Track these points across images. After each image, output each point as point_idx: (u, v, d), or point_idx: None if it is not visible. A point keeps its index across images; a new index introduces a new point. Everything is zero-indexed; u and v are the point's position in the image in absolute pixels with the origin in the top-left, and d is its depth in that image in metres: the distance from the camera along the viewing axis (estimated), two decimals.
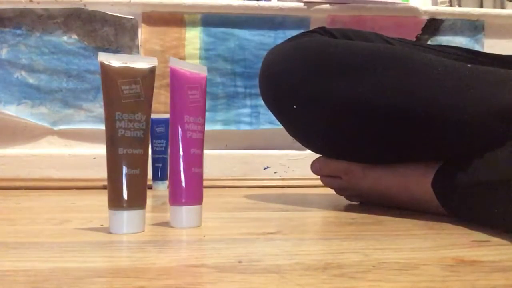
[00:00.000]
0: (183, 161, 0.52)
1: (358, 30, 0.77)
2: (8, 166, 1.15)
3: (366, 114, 0.60)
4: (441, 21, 1.30)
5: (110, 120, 0.49)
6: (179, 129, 0.53)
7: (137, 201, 0.49)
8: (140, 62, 0.51)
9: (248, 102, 1.24)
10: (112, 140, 0.49)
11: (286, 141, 1.19)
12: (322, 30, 0.75)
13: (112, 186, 0.49)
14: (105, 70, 0.50)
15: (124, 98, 0.49)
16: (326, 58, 0.65)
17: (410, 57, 0.61)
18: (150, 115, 0.52)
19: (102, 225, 0.53)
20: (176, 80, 0.53)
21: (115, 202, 0.48)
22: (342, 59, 0.64)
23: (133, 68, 0.50)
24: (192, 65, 0.56)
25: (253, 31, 1.24)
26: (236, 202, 0.80)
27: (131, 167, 0.49)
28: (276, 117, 0.75)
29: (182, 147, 0.52)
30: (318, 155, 0.75)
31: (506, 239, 0.46)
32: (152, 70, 0.52)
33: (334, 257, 0.38)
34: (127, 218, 0.48)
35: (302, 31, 1.26)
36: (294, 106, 0.66)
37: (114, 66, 0.50)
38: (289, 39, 0.75)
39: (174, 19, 1.22)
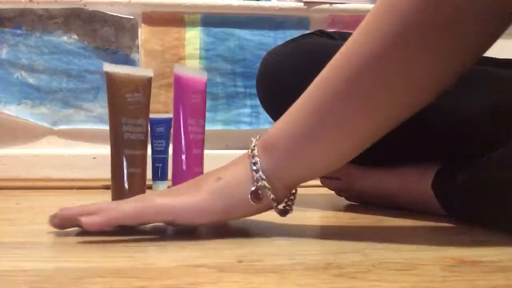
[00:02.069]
0: (186, 161, 0.54)
1: None
2: (8, 166, 1.15)
3: None
4: None
5: (116, 125, 0.55)
6: (183, 131, 0.57)
7: None
8: (140, 73, 0.57)
9: (248, 102, 1.24)
10: (117, 143, 0.53)
11: None
12: (320, 32, 0.75)
13: (116, 184, 0.54)
14: (111, 79, 0.55)
15: (128, 105, 0.55)
16: (325, 60, 0.65)
17: None
18: (148, 119, 0.57)
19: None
20: (180, 86, 0.57)
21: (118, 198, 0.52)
22: None
23: (135, 77, 0.56)
24: (193, 70, 0.60)
25: (253, 31, 1.24)
26: None
27: (133, 167, 0.52)
28: (274, 120, 0.75)
29: (185, 148, 0.56)
30: None
31: (506, 239, 0.46)
32: (149, 80, 0.57)
33: (334, 257, 0.38)
34: None
35: (302, 31, 1.27)
36: None
37: (119, 76, 0.55)
38: (287, 41, 0.75)
39: (174, 19, 1.22)
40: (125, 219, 0.44)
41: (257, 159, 0.44)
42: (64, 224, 0.45)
